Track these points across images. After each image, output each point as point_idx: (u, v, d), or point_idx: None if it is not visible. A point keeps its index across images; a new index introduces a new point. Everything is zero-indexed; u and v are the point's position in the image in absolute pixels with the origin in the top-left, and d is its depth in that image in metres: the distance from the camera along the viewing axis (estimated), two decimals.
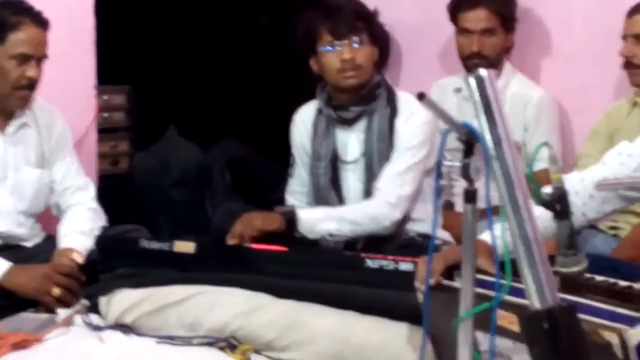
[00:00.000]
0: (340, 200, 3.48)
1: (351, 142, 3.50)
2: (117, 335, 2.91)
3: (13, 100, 3.30)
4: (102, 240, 3.31)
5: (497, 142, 1.45)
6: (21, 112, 3.38)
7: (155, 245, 3.19)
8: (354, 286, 2.81)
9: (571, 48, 3.93)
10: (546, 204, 2.08)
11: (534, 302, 1.33)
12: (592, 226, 3.34)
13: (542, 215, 2.35)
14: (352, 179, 3.50)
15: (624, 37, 3.47)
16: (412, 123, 3.39)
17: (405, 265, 2.79)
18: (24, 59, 3.24)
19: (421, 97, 1.72)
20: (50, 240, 3.41)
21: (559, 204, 2.08)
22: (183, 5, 4.59)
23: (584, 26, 3.91)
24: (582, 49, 3.92)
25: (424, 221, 3.43)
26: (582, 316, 1.98)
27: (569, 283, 2.20)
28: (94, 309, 3.05)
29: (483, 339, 2.03)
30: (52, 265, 3.18)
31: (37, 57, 3.27)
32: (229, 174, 4.09)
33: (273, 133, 4.00)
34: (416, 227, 3.45)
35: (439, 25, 4.12)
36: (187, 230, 3.84)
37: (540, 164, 3.06)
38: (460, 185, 3.53)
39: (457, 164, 1.83)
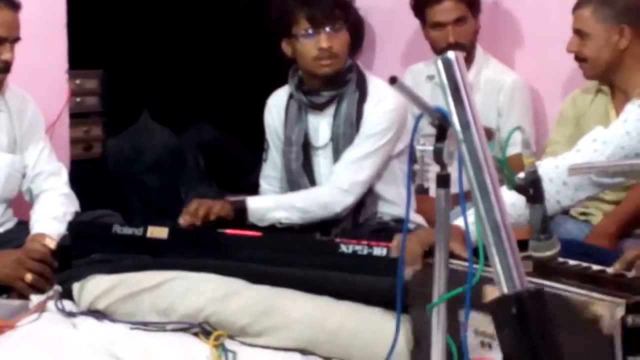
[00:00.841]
0: (312, 184, 3.47)
1: (322, 127, 3.49)
2: (90, 321, 2.89)
3: None
4: (75, 226, 3.29)
5: (465, 126, 1.44)
6: None
7: (128, 230, 3.17)
8: (328, 271, 2.81)
9: (544, 33, 3.94)
10: (519, 188, 2.09)
11: (502, 287, 1.33)
12: (564, 212, 3.36)
13: (516, 203, 2.36)
14: (323, 164, 3.49)
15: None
16: (380, 109, 3.38)
17: (379, 250, 2.79)
18: None
19: (393, 81, 1.72)
20: (22, 226, 3.39)
21: (532, 188, 2.09)
22: None
23: (557, 11, 3.91)
24: (555, 33, 3.91)
25: (398, 205, 3.44)
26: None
27: (542, 267, 2.22)
28: (66, 294, 3.02)
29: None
30: (25, 251, 3.16)
31: (10, 39, 3.24)
32: (203, 158, 4.08)
33: (247, 117, 3.99)
34: (390, 210, 3.45)
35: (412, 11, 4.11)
36: (161, 215, 3.81)
37: (514, 149, 3.07)
38: (434, 169, 3.53)
39: (430, 148, 1.83)
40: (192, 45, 4.48)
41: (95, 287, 2.97)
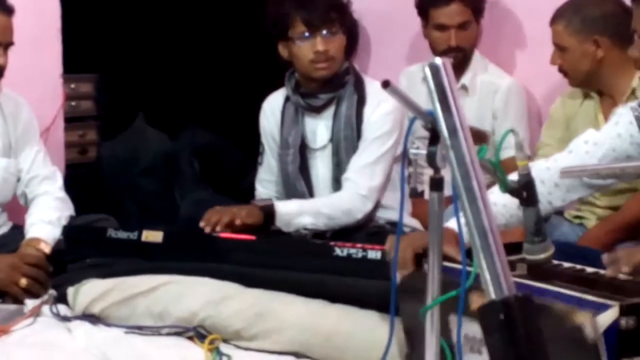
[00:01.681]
0: (309, 187, 3.47)
1: (319, 129, 3.50)
2: (85, 325, 2.89)
3: None
4: (70, 230, 3.28)
5: (452, 131, 1.44)
6: None
7: (122, 234, 3.17)
8: (322, 275, 2.81)
9: (541, 36, 3.92)
10: (512, 191, 2.09)
11: (490, 293, 1.33)
12: (559, 214, 3.37)
13: (507, 204, 2.37)
14: (320, 167, 3.50)
15: None
16: (380, 112, 3.39)
17: (373, 254, 2.79)
18: None
19: (386, 84, 1.72)
20: (17, 230, 3.39)
21: (525, 191, 2.08)
22: None
23: (553, 13, 3.91)
24: (551, 36, 3.92)
25: (394, 209, 3.43)
26: (554, 300, 2.00)
27: (536, 270, 2.22)
28: (61, 299, 3.02)
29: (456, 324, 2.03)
30: (20, 256, 3.15)
31: (4, 44, 3.24)
32: (198, 162, 4.08)
33: (241, 121, 3.99)
34: (386, 215, 3.45)
35: (408, 13, 4.10)
36: (156, 219, 3.81)
37: (508, 152, 3.07)
38: (428, 172, 3.53)
39: (424, 151, 1.83)
40: (187, 49, 4.48)
41: (90, 291, 2.97)
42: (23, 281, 3.07)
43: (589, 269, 2.27)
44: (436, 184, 1.84)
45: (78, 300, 2.97)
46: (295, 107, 3.51)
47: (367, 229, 3.38)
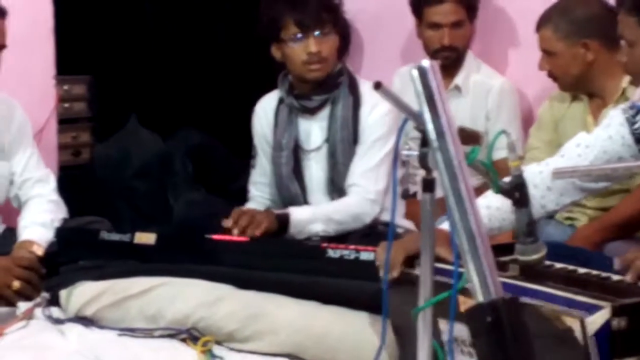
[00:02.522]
0: (303, 189, 3.47)
1: (314, 130, 3.49)
2: (78, 328, 2.89)
3: None
4: (63, 232, 3.28)
5: (439, 133, 1.44)
6: None
7: (115, 236, 3.17)
8: (315, 276, 2.81)
9: (533, 36, 3.93)
10: (505, 192, 2.09)
11: (478, 295, 1.33)
12: (549, 217, 3.37)
13: (501, 207, 2.37)
14: (315, 168, 3.49)
15: None
16: (377, 114, 3.39)
17: (366, 255, 2.79)
18: None
19: (377, 86, 1.72)
20: (10, 233, 3.38)
21: (517, 192, 2.09)
22: None
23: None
24: None
25: (388, 210, 3.43)
26: (545, 302, 2.00)
27: (528, 271, 2.22)
28: (54, 301, 3.02)
29: (446, 327, 2.03)
30: (12, 258, 3.14)
31: None
32: (191, 163, 4.07)
33: (234, 122, 3.98)
34: (379, 216, 3.44)
35: (401, 14, 4.11)
36: (150, 221, 3.81)
37: (500, 153, 3.07)
38: (421, 173, 3.53)
39: (415, 153, 1.83)
40: (180, 50, 4.47)
41: (83, 293, 2.96)
42: (16, 284, 3.06)
43: (581, 270, 2.27)
44: (428, 184, 1.84)
45: (71, 303, 2.96)
46: (289, 108, 3.51)
47: (361, 230, 3.37)
